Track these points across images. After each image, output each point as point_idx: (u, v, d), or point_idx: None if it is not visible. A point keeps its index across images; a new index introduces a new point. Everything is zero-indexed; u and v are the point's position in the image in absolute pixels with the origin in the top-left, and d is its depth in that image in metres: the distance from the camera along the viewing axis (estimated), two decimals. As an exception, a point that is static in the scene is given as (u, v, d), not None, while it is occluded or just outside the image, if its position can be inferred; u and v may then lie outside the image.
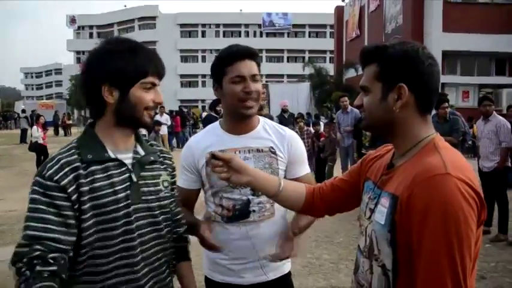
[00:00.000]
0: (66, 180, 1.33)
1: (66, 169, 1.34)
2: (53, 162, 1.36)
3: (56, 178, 1.32)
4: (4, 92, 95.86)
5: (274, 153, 1.81)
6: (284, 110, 11.84)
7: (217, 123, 1.94)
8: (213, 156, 1.50)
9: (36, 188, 1.33)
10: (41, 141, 12.10)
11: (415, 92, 1.22)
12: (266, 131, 1.87)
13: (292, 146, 1.88)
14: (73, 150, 1.40)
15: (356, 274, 1.38)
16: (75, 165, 1.36)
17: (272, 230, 1.81)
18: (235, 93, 1.75)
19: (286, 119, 11.25)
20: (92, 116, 1.51)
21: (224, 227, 1.82)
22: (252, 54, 1.79)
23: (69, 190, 1.32)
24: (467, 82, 20.66)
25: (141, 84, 1.43)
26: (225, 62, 1.77)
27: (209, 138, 1.87)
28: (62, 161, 1.36)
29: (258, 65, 1.81)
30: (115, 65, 1.39)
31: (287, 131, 1.92)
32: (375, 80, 1.27)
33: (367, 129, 1.40)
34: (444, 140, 1.27)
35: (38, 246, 1.25)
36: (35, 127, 12.45)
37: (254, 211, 1.79)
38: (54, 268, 1.24)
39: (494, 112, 6.02)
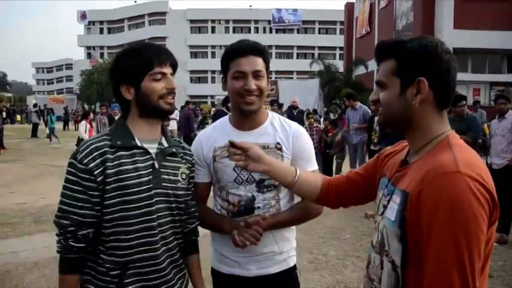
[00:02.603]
0: (93, 164, 1.52)
1: (95, 153, 1.53)
2: (85, 146, 1.56)
3: (85, 161, 1.52)
4: (16, 87, 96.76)
5: (280, 149, 1.81)
6: (293, 107, 11.83)
7: (226, 118, 1.95)
8: (232, 144, 1.58)
9: (69, 168, 1.55)
10: (86, 137, 10.49)
11: (434, 87, 1.21)
12: (273, 126, 1.87)
13: (297, 140, 1.86)
14: (104, 137, 1.59)
15: (368, 269, 1.39)
16: (104, 150, 1.55)
17: None
18: (235, 89, 1.75)
19: (294, 115, 11.24)
20: (122, 111, 1.70)
21: None
22: (257, 50, 1.76)
23: (95, 172, 1.52)
24: (478, 80, 20.48)
25: (150, 76, 1.58)
26: (229, 57, 1.77)
27: (218, 133, 1.88)
28: (92, 146, 1.55)
29: (266, 61, 1.79)
30: (124, 66, 1.61)
31: (293, 125, 1.90)
32: (392, 75, 1.25)
33: (384, 124, 1.36)
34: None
35: (68, 222, 1.51)
36: (83, 122, 11.14)
37: (259, 207, 1.80)
38: (83, 245, 1.52)
39: (510, 110, 5.82)
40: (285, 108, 13.20)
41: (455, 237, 1.04)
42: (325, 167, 9.21)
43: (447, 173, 1.08)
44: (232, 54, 1.76)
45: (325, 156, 9.21)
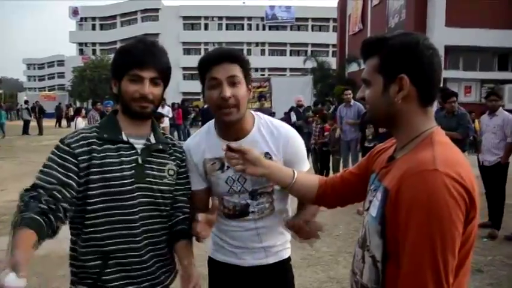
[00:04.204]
0: (80, 150, 1.56)
1: (82, 142, 1.58)
2: (75, 134, 1.61)
3: (72, 146, 1.56)
4: (7, 83, 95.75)
5: (270, 158, 1.76)
6: (299, 106, 11.84)
7: (212, 125, 1.87)
8: (229, 148, 1.57)
9: (55, 150, 1.57)
10: None
11: (416, 83, 1.21)
12: (261, 133, 1.80)
13: (288, 145, 1.80)
14: (94, 129, 1.64)
15: (352, 262, 1.41)
16: (92, 140, 1.59)
17: (271, 223, 1.86)
18: (212, 100, 1.67)
19: (301, 113, 11.38)
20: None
21: (226, 220, 1.87)
22: (232, 57, 1.67)
23: (80, 158, 1.55)
24: (470, 77, 20.62)
25: (127, 76, 1.60)
26: (204, 68, 1.69)
27: (205, 144, 1.84)
28: (81, 135, 1.60)
29: (244, 68, 1.70)
30: (114, 61, 1.66)
31: (282, 129, 1.82)
32: (375, 72, 1.26)
33: (371, 121, 1.40)
34: (446, 134, 1.26)
35: (37, 190, 1.44)
36: (80, 119, 11.06)
37: (253, 212, 1.83)
38: (45, 207, 1.40)
39: (500, 107, 5.95)
40: (277, 104, 13.20)
41: (430, 237, 1.05)
42: (322, 164, 9.26)
43: (424, 171, 1.09)
44: (207, 63, 1.68)
45: (323, 154, 9.26)
